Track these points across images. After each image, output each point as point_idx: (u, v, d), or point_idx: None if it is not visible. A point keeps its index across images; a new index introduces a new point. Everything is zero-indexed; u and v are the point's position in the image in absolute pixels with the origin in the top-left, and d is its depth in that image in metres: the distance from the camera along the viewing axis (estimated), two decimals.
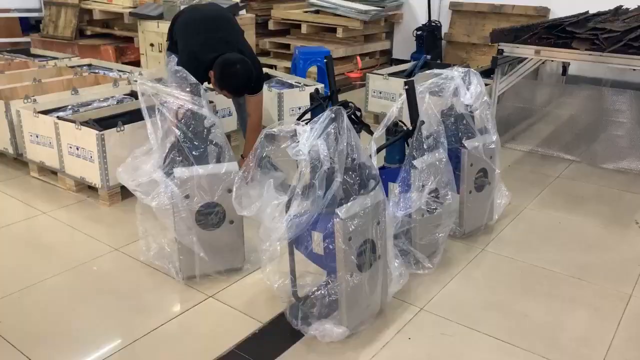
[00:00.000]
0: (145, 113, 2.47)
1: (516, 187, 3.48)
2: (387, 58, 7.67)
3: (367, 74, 5.11)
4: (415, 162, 2.50)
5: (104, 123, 3.36)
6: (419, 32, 7.02)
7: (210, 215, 2.46)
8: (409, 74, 5.09)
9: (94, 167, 3.25)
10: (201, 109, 2.49)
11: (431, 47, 6.94)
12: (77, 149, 3.33)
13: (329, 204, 2.01)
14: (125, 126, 3.26)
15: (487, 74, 4.31)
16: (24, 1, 7.18)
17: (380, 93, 4.96)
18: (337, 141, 2.01)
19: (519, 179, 3.76)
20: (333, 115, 2.02)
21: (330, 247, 2.03)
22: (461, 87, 2.77)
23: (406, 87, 2.56)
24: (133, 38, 6.38)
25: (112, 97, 3.98)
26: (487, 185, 2.93)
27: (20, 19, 7.41)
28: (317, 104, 3.09)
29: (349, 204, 2.03)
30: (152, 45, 5.86)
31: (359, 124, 2.78)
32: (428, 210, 2.56)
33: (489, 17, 6.85)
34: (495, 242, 2.96)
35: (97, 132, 3.18)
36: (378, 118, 4.94)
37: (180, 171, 2.40)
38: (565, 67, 5.69)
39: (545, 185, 3.70)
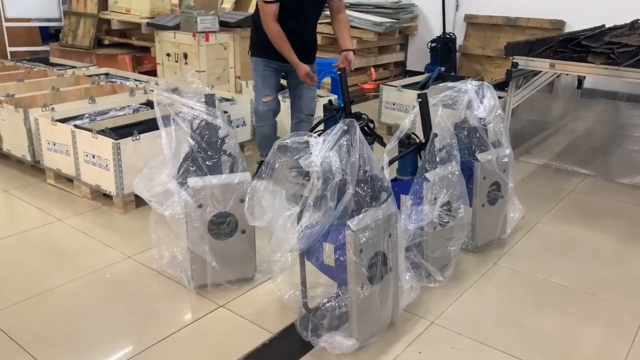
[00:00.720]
0: (160, 123, 2.49)
1: (530, 200, 3.46)
2: (401, 69, 7.68)
3: (381, 85, 5.13)
4: (427, 175, 2.49)
5: (120, 132, 3.41)
6: (433, 44, 7.03)
7: (223, 225, 2.47)
8: (423, 85, 5.09)
9: (110, 175, 3.29)
10: (215, 120, 2.51)
11: (445, 59, 6.94)
12: (93, 157, 3.37)
13: (340, 216, 2.02)
14: (141, 135, 3.30)
15: (501, 86, 4.31)
16: (44, 11, 7.29)
17: (394, 104, 4.96)
18: (349, 153, 2.02)
19: (533, 193, 3.73)
20: (346, 127, 2.03)
21: (342, 258, 2.04)
22: (475, 100, 2.77)
23: (419, 99, 2.56)
24: (150, 48, 6.46)
25: (129, 106, 4.03)
26: (500, 199, 2.91)
27: (40, 28, 7.53)
28: (331, 115, 3.11)
29: (360, 215, 2.04)
30: (168, 55, 5.93)
31: (372, 136, 2.79)
32: (440, 224, 2.55)
33: (504, 29, 6.84)
34: (508, 256, 2.94)
35: (113, 140, 3.22)
36: (391, 129, 4.95)
37: (193, 181, 2.42)
38: (580, 80, 5.65)
39: (559, 199, 3.67)
